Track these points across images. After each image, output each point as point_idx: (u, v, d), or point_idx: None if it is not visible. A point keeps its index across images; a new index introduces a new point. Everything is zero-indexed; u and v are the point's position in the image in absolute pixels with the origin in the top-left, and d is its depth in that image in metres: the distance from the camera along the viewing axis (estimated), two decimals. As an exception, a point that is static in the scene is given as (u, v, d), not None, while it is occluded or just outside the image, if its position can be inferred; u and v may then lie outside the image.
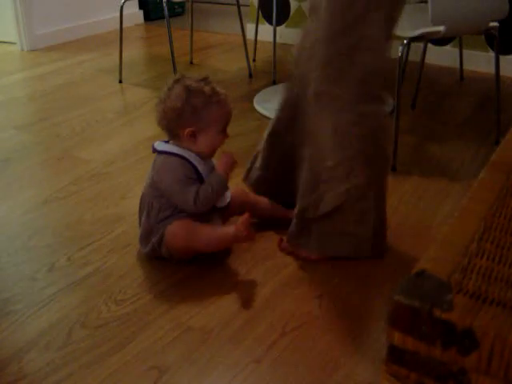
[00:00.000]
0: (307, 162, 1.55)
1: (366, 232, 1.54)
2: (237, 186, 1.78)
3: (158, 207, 1.51)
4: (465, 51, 3.01)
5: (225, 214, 1.63)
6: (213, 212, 1.56)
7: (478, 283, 0.61)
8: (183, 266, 1.53)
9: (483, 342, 0.55)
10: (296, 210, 1.58)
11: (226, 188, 1.55)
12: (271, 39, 2.98)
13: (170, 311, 1.39)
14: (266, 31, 3.56)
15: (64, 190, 1.95)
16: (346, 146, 1.48)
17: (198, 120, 1.49)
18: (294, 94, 1.63)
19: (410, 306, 0.58)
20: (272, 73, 3.01)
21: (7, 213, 1.83)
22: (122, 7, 2.89)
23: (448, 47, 3.25)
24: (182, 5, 4.49)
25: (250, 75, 3.12)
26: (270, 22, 3.72)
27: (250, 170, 1.80)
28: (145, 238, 1.56)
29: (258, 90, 2.86)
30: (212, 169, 1.55)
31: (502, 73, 2.37)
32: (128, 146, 2.29)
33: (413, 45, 2.43)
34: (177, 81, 1.52)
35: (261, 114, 2.59)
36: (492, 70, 2.35)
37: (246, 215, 1.47)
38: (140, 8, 4.30)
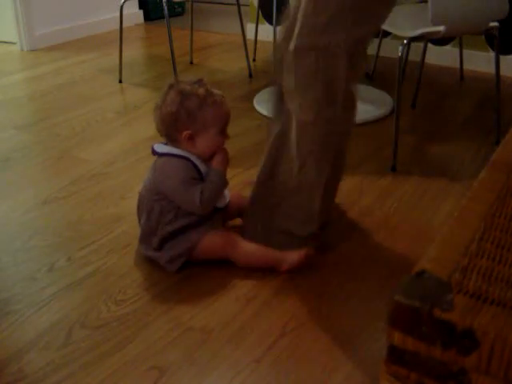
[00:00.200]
0: (270, 144, 1.57)
1: (309, 233, 1.55)
2: (235, 187, 1.79)
3: (159, 210, 1.51)
4: (465, 51, 3.01)
5: (223, 216, 1.63)
6: (214, 213, 1.56)
7: (478, 283, 0.61)
8: (183, 267, 1.53)
9: (483, 342, 0.55)
10: (251, 194, 1.60)
11: (226, 183, 1.55)
12: (271, 39, 2.98)
13: (169, 311, 1.39)
14: (266, 31, 3.56)
15: (64, 190, 1.95)
16: (303, 142, 1.50)
17: (194, 122, 1.49)
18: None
19: (410, 306, 0.58)
20: (272, 73, 3.00)
21: (7, 213, 1.83)
22: (121, 7, 2.89)
23: (448, 47, 3.25)
24: (181, 5, 4.49)
25: (250, 75, 3.12)
26: (270, 22, 3.72)
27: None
28: (145, 239, 1.56)
29: (257, 90, 2.86)
30: None
31: (502, 73, 2.37)
32: (128, 145, 2.29)
33: (413, 45, 2.43)
34: (171, 86, 1.52)
35: (261, 114, 2.59)
36: (492, 69, 2.35)
37: (302, 256, 1.50)
38: (140, 8, 4.30)
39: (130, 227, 1.72)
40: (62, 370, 1.22)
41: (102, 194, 1.93)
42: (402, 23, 2.28)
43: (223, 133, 1.53)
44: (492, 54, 2.95)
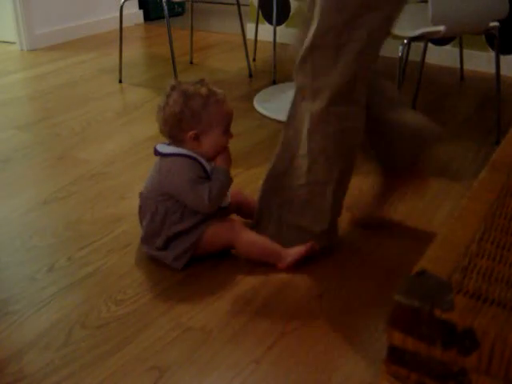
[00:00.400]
0: (284, 138, 1.57)
1: (321, 229, 1.55)
2: (234, 186, 1.78)
3: (164, 211, 1.51)
4: (465, 51, 3.01)
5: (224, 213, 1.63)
6: (217, 212, 1.56)
7: (479, 283, 0.61)
8: (183, 267, 1.53)
9: (483, 342, 0.55)
10: (262, 188, 1.59)
11: (231, 180, 1.55)
12: (271, 39, 2.99)
13: (170, 311, 1.39)
14: (266, 31, 3.56)
15: (64, 190, 1.95)
16: (313, 139, 1.50)
17: (198, 122, 1.49)
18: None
19: (410, 306, 0.58)
20: (272, 73, 3.01)
21: (7, 213, 1.83)
22: (121, 7, 2.89)
23: (448, 47, 3.25)
24: (181, 5, 4.49)
25: (250, 75, 3.12)
26: (270, 22, 3.72)
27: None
28: (148, 240, 1.55)
29: (258, 90, 2.86)
30: None
31: (502, 73, 2.37)
32: (128, 145, 2.29)
33: (413, 45, 2.42)
34: (173, 87, 1.52)
35: (261, 114, 2.59)
36: (492, 69, 2.35)
37: (303, 251, 1.52)
38: (140, 8, 4.30)
39: (130, 227, 1.72)
40: (61, 370, 1.22)
41: (102, 194, 1.93)
42: (402, 23, 2.28)
43: (227, 132, 1.54)
44: (492, 53, 2.95)
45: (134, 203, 1.63)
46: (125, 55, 3.09)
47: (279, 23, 3.73)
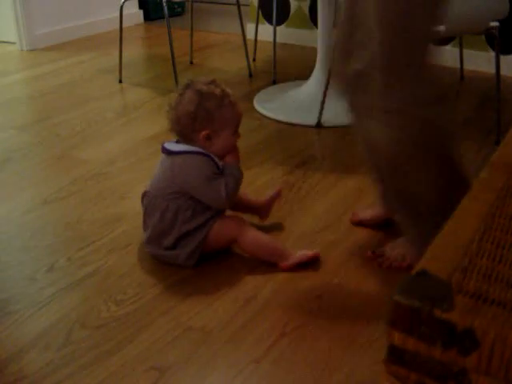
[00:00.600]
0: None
1: None
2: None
3: (175, 209, 1.50)
4: (465, 51, 3.01)
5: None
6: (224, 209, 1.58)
7: (479, 283, 0.61)
8: (183, 266, 1.53)
9: (484, 342, 0.55)
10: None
11: (243, 175, 1.56)
12: (271, 39, 2.98)
13: (170, 311, 1.39)
14: (266, 31, 3.56)
15: (64, 190, 1.95)
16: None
17: (212, 122, 1.50)
18: None
19: (410, 306, 0.58)
20: (272, 73, 3.01)
21: (7, 213, 1.83)
22: (121, 7, 2.89)
23: (448, 47, 3.25)
24: (181, 5, 4.49)
25: (250, 75, 3.12)
26: (270, 22, 3.72)
27: None
28: (155, 239, 1.55)
29: (258, 90, 2.86)
30: None
31: (502, 72, 2.37)
32: (128, 145, 2.29)
33: (413, 45, 2.42)
34: (187, 86, 1.53)
35: (261, 114, 2.59)
36: (492, 69, 2.35)
37: (308, 257, 1.54)
38: (140, 8, 4.30)
39: (130, 227, 1.72)
40: (61, 370, 1.22)
41: (102, 194, 1.93)
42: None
43: (236, 132, 1.55)
44: (492, 53, 2.95)
45: (134, 203, 1.63)
46: (125, 55, 3.09)
47: (279, 23, 3.73)
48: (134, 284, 1.49)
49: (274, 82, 2.98)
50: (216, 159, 1.53)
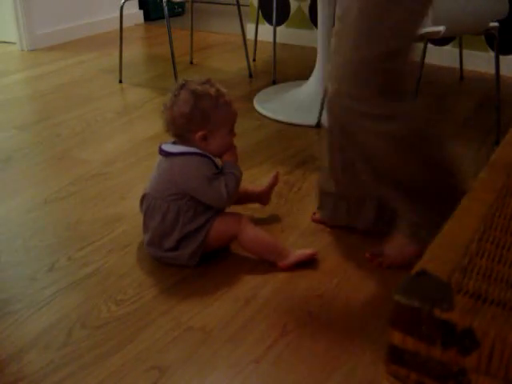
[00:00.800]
0: None
1: None
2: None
3: (177, 210, 1.50)
4: (465, 51, 3.01)
5: None
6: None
7: (478, 283, 0.61)
8: (183, 267, 1.53)
9: (483, 342, 0.55)
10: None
11: (242, 174, 1.56)
12: (271, 39, 2.98)
13: (170, 311, 1.39)
14: (266, 31, 3.56)
15: (64, 190, 1.95)
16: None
17: (207, 123, 1.50)
18: None
19: (410, 306, 0.58)
20: (272, 73, 3.01)
21: (7, 213, 1.83)
22: (121, 7, 2.89)
23: (448, 47, 3.25)
24: (181, 5, 4.49)
25: (250, 75, 3.12)
26: (270, 22, 3.72)
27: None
28: (156, 241, 1.54)
29: (258, 90, 2.86)
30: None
31: (502, 73, 2.37)
32: (128, 145, 2.29)
33: (413, 45, 2.42)
34: (182, 86, 1.52)
35: (261, 114, 2.59)
36: (492, 69, 2.35)
37: (306, 255, 1.55)
38: (140, 8, 4.31)
39: (130, 227, 1.72)
40: (61, 369, 1.22)
41: (102, 194, 1.93)
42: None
43: (232, 131, 1.55)
44: (492, 53, 2.95)
45: (134, 203, 1.63)
46: (125, 55, 3.09)
47: (279, 23, 3.73)
48: (134, 284, 1.49)
49: (274, 82, 2.98)
50: (214, 159, 1.53)
